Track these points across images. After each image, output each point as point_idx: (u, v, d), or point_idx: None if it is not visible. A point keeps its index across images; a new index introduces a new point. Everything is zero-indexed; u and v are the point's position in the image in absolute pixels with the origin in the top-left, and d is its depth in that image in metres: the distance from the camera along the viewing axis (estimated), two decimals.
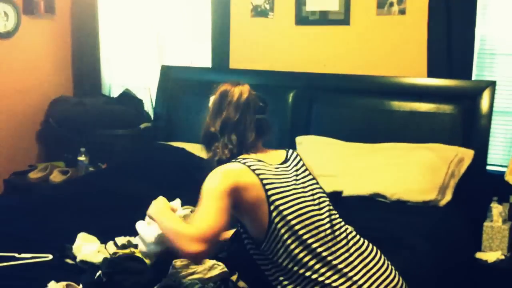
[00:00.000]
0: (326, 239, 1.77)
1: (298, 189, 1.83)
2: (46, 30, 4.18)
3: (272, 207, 1.74)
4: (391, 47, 3.46)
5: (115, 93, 4.35)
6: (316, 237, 1.76)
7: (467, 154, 3.02)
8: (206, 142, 1.96)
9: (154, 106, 4.12)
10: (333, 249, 1.76)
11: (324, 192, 1.94)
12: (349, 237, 1.83)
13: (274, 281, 1.77)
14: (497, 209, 2.84)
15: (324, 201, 1.88)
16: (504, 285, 2.68)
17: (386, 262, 1.84)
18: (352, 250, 1.79)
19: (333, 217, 1.85)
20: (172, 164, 3.36)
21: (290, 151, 2.00)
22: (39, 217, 2.64)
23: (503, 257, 2.76)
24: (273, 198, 1.75)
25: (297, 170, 1.90)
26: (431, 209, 2.80)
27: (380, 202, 2.86)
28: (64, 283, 1.88)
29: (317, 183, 1.94)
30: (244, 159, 1.83)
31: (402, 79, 3.33)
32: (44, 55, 4.19)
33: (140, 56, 4.30)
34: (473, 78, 3.26)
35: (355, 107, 3.39)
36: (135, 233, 2.18)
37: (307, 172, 1.93)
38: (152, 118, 4.10)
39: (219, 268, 1.89)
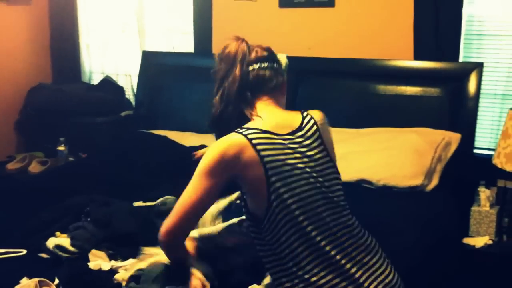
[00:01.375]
0: (329, 232, 1.59)
1: (305, 168, 1.62)
2: (23, 15, 4.06)
3: (271, 189, 1.57)
4: (377, 29, 3.38)
5: (95, 81, 4.25)
6: (319, 230, 1.58)
7: (454, 138, 2.97)
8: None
9: (135, 93, 4.03)
10: (336, 242, 1.59)
11: (337, 173, 1.72)
12: (355, 232, 1.66)
13: (268, 264, 1.64)
14: (484, 193, 2.80)
15: (336, 189, 1.68)
16: (492, 270, 2.64)
17: (387, 261, 1.69)
18: (359, 248, 1.62)
19: (340, 208, 1.66)
20: (154, 152, 3.29)
21: (308, 117, 1.74)
22: (15, 209, 2.55)
23: (491, 242, 2.73)
24: (273, 179, 1.57)
25: (309, 145, 1.67)
26: (418, 194, 2.75)
27: (365, 188, 2.80)
28: (37, 279, 1.82)
29: (331, 161, 1.70)
30: (248, 129, 1.62)
31: (388, 62, 3.27)
32: (21, 41, 4.07)
33: (121, 42, 4.19)
34: (460, 60, 3.20)
35: (341, 91, 3.33)
36: None
37: (321, 148, 1.69)
38: (134, 106, 4.02)
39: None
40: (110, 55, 4.24)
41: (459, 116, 3.07)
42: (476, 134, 3.12)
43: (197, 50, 3.88)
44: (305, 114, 1.75)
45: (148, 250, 2.07)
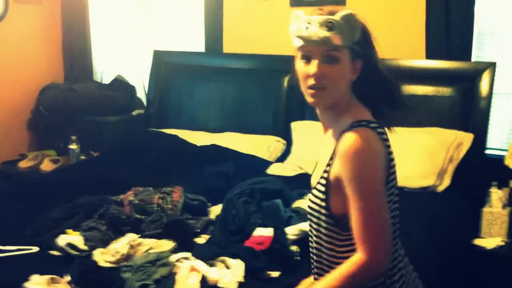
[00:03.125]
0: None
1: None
2: (35, 15, 4.08)
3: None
4: (389, 29, 3.36)
5: (106, 80, 4.26)
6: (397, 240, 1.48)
7: (466, 138, 2.95)
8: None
9: (147, 92, 4.04)
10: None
11: None
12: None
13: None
14: (496, 194, 2.77)
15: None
16: (505, 272, 2.62)
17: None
18: None
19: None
20: (165, 151, 3.30)
21: None
22: (27, 207, 2.57)
23: (503, 243, 2.69)
24: (391, 189, 1.39)
25: None
26: (429, 194, 2.73)
27: None
28: (48, 276, 1.83)
29: None
30: (379, 125, 1.40)
31: (400, 62, 3.24)
32: (33, 41, 4.09)
33: (132, 42, 4.21)
34: (473, 59, 3.18)
35: None
36: None
37: None
38: (145, 105, 4.03)
39: None
40: (122, 54, 4.25)
41: (471, 116, 3.05)
42: (488, 134, 3.09)
43: (208, 49, 3.89)
44: None
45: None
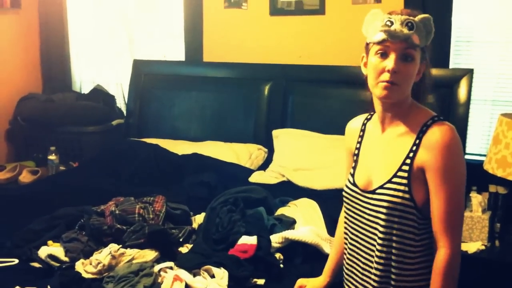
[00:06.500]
0: None
1: None
2: (12, 25, 4.04)
3: None
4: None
5: (85, 90, 4.23)
6: None
7: None
8: None
9: (126, 102, 4.01)
10: None
11: None
12: None
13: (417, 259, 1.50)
14: (476, 198, 2.80)
15: None
16: (486, 276, 2.64)
17: None
18: None
19: None
20: (146, 161, 3.27)
21: None
22: (6, 219, 2.53)
23: (483, 247, 2.73)
24: None
25: None
26: None
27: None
28: None
29: None
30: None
31: None
32: (11, 51, 4.04)
33: (111, 51, 4.18)
34: (450, 66, 3.22)
35: (332, 98, 3.33)
36: None
37: None
38: (125, 114, 4.00)
39: None
40: (101, 64, 4.23)
41: (450, 122, 3.06)
42: (467, 139, 3.13)
43: (188, 58, 3.88)
44: None
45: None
